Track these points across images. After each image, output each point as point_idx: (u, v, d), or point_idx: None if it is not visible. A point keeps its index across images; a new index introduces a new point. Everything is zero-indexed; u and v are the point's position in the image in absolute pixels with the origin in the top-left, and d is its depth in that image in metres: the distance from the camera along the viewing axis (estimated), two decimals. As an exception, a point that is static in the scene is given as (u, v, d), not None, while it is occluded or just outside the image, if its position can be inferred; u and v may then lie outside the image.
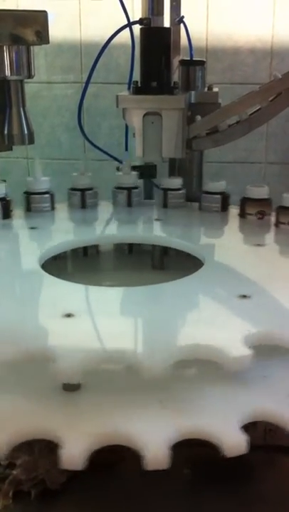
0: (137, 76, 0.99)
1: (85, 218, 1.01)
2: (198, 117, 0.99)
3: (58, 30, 1.44)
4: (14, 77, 0.93)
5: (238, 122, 0.98)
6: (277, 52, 1.42)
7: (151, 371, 0.53)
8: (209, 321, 0.64)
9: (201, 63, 1.05)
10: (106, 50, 1.19)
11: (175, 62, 1.05)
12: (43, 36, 0.90)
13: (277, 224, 0.94)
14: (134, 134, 0.98)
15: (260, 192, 0.98)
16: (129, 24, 0.99)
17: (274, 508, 0.57)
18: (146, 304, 0.69)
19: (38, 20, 0.90)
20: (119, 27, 1.06)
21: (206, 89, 1.06)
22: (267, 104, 0.95)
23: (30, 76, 0.94)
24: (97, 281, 0.88)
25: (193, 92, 1.03)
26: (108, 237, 0.95)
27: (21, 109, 0.96)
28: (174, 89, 0.95)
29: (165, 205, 1.04)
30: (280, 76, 0.94)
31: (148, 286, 0.72)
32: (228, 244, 0.89)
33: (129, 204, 1.04)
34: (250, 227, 0.97)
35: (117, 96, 0.94)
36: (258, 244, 0.88)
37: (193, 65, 1.04)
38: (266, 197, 0.99)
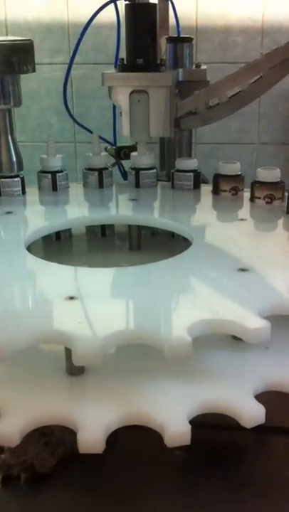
0: (123, 54, 0.98)
1: (57, 201, 0.99)
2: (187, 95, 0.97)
3: (45, 11, 1.42)
4: (2, 107, 0.94)
5: (227, 100, 0.96)
6: (268, 31, 1.41)
7: (175, 350, 0.53)
8: (218, 296, 0.63)
9: (189, 40, 1.03)
10: (95, 31, 1.17)
11: (163, 41, 1.03)
12: (29, 65, 0.91)
13: (253, 199, 0.94)
14: (120, 113, 0.96)
15: (232, 168, 0.97)
16: (114, 0, 0.97)
17: (265, 489, 0.57)
18: (150, 283, 0.68)
19: (24, 49, 0.91)
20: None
21: (194, 66, 1.04)
22: (256, 80, 0.94)
23: (18, 105, 0.95)
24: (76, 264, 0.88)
25: (180, 70, 1.01)
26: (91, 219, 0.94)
27: (9, 138, 0.97)
28: (160, 66, 0.93)
29: (137, 185, 1.01)
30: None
31: (145, 265, 0.71)
32: (210, 222, 0.88)
33: (101, 185, 1.01)
34: (226, 203, 0.96)
35: (103, 74, 0.92)
36: (241, 219, 0.89)
37: (180, 42, 1.02)
38: (238, 173, 0.97)
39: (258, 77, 0.93)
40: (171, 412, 0.53)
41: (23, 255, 0.75)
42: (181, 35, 1.09)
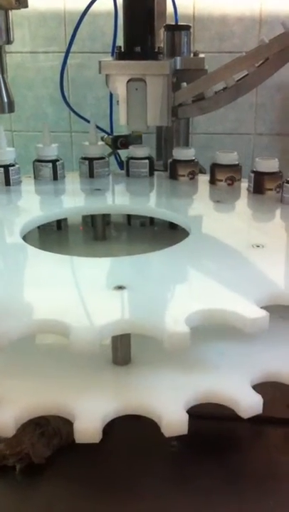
0: (121, 42, 0.97)
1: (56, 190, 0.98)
2: (184, 84, 0.96)
3: (40, -1, 1.41)
4: None
5: (224, 89, 0.95)
6: (266, 21, 1.39)
7: (173, 340, 0.52)
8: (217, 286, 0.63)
9: (187, 28, 1.02)
10: (91, 19, 1.16)
11: (160, 29, 1.02)
12: (21, 0, 0.87)
13: (214, 181, 0.96)
14: (117, 101, 0.95)
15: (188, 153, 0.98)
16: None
17: (262, 480, 0.57)
18: (147, 273, 0.68)
19: None
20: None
21: (191, 55, 1.03)
22: (254, 69, 0.93)
23: (8, 41, 0.91)
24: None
25: (178, 58, 1.00)
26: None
27: (0, 77, 0.93)
28: (158, 54, 0.92)
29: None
30: (267, 41, 0.91)
31: (142, 255, 0.71)
32: (208, 212, 0.88)
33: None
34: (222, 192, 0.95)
35: (100, 61, 0.91)
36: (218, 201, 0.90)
37: (178, 30, 1.01)
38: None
39: (256, 66, 0.93)
40: (168, 402, 0.53)
41: (16, 244, 0.74)
42: (179, 23, 1.07)
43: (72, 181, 1.00)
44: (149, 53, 0.91)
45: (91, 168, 1.00)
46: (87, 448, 0.52)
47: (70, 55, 1.20)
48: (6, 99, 0.93)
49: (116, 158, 1.14)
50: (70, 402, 0.53)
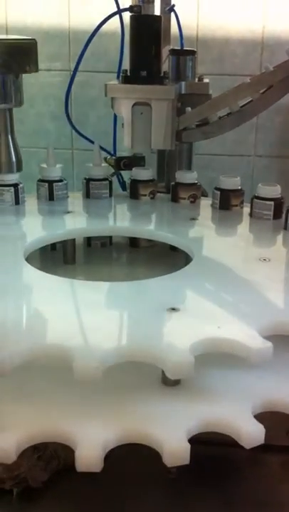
0: (126, 65, 0.97)
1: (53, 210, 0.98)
2: (189, 109, 0.97)
3: (45, 17, 1.41)
4: (2, 106, 0.93)
5: (228, 114, 0.96)
6: (268, 43, 1.41)
7: (177, 369, 0.53)
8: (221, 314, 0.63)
9: (192, 53, 1.03)
10: (95, 38, 1.17)
11: (165, 51, 1.03)
12: (31, 65, 0.91)
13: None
14: (122, 124, 0.96)
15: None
16: (119, 11, 0.97)
17: (260, 507, 0.57)
18: (150, 298, 0.68)
19: (27, 49, 0.91)
20: (108, 14, 1.03)
21: (196, 79, 1.04)
22: (258, 96, 0.94)
23: (19, 104, 0.95)
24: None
25: (183, 83, 1.01)
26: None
27: (9, 137, 0.96)
28: (164, 79, 0.93)
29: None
30: (271, 68, 0.92)
31: (145, 280, 0.71)
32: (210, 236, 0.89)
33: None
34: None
35: (106, 85, 0.92)
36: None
37: (183, 55, 1.02)
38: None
39: (260, 93, 0.94)
40: (170, 431, 0.53)
41: (20, 265, 0.74)
42: (185, 48, 1.08)
43: (74, 202, 1.00)
44: (155, 77, 0.92)
45: (92, 188, 1.00)
46: (84, 472, 0.52)
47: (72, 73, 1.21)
48: (14, 159, 0.97)
49: (118, 179, 1.15)
50: (72, 430, 0.53)
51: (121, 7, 1.00)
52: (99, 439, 0.51)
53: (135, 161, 1.07)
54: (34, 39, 0.92)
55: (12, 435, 0.52)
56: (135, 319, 0.62)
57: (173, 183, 1.00)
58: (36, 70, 0.93)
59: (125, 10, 0.94)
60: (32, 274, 0.73)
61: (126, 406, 0.56)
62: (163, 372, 0.57)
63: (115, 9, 1.00)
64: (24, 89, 1.41)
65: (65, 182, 0.99)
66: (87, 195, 1.00)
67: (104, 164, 1.02)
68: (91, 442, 0.51)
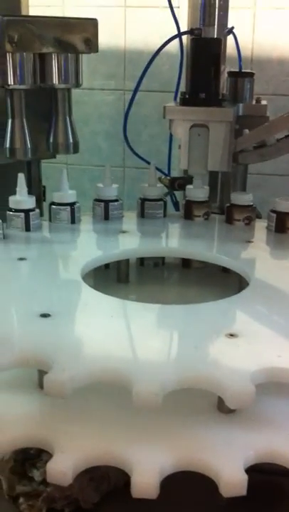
0: (182, 86, 0.98)
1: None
2: (246, 131, 0.97)
3: (101, 36, 1.44)
4: (62, 86, 0.92)
5: (287, 136, 0.95)
6: None
7: (237, 398, 0.52)
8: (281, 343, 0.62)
9: (250, 75, 1.03)
10: (148, 57, 1.18)
11: (222, 73, 1.03)
12: (92, 44, 0.90)
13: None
14: (179, 145, 0.96)
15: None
16: (180, 34, 0.98)
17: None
18: (208, 323, 0.66)
19: (87, 28, 0.90)
20: (162, 35, 1.04)
21: (254, 101, 1.04)
22: None
23: (78, 85, 0.93)
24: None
25: (241, 105, 1.01)
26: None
27: (67, 118, 0.95)
28: (222, 101, 0.93)
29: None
30: None
31: (201, 304, 0.70)
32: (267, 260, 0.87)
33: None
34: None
35: (165, 107, 0.92)
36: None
37: (242, 77, 1.02)
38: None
39: None
40: (228, 460, 0.51)
41: (78, 286, 0.75)
42: (243, 70, 1.08)
43: (128, 221, 1.00)
44: (213, 100, 0.92)
45: (147, 208, 1.00)
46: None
47: (127, 92, 1.22)
48: (71, 140, 0.96)
49: (172, 198, 1.15)
50: (128, 454, 0.52)
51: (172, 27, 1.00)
52: (155, 466, 0.51)
53: (189, 181, 1.06)
54: (95, 18, 0.91)
55: (69, 458, 0.52)
56: (193, 344, 0.61)
57: (228, 204, 0.99)
58: (96, 50, 0.91)
59: (186, 33, 0.94)
60: (90, 295, 0.73)
61: (182, 432, 0.55)
62: (219, 398, 0.56)
63: (170, 29, 1.01)
64: (79, 108, 1.45)
65: (121, 202, 1.00)
66: (142, 214, 1.00)
67: (159, 185, 1.02)
68: (148, 469, 0.50)
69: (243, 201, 0.98)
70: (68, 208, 0.95)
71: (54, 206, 0.95)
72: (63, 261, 0.86)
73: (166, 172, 1.17)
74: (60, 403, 0.57)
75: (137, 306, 0.72)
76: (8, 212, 0.91)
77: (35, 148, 0.94)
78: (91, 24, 0.90)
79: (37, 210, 0.92)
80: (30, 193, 0.95)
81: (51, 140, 0.96)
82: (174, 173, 1.16)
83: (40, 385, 0.58)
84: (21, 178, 0.91)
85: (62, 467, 0.51)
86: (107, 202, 0.98)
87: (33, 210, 0.92)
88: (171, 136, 1.12)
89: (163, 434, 0.55)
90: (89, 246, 0.92)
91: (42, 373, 0.56)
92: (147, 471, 0.50)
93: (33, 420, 0.56)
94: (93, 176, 1.41)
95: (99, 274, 0.91)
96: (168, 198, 1.11)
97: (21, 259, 0.81)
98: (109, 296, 0.72)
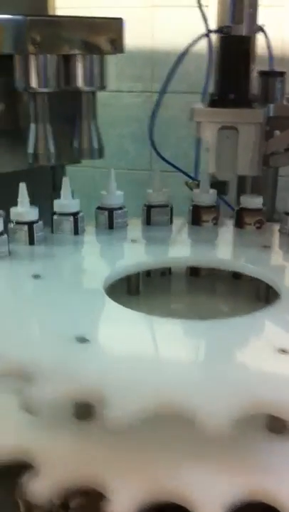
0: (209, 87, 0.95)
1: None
2: (277, 132, 0.93)
3: (128, 37, 1.41)
4: (87, 89, 0.89)
5: None
6: None
7: None
8: None
9: (281, 74, 0.99)
10: (174, 58, 1.16)
11: (251, 73, 0.99)
12: (117, 45, 0.87)
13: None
14: (206, 148, 0.93)
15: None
16: (209, 32, 0.94)
17: None
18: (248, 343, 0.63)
19: (113, 28, 0.87)
20: (189, 35, 1.01)
21: (285, 101, 1.00)
22: None
23: (103, 87, 0.90)
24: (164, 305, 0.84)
25: (271, 105, 0.97)
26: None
27: (92, 122, 0.93)
28: (252, 102, 0.89)
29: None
30: None
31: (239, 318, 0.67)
32: None
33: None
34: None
35: (192, 109, 0.89)
36: None
37: (272, 76, 0.98)
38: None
39: None
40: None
41: (102, 299, 0.71)
42: (274, 70, 1.04)
43: (135, 229, 0.95)
44: (243, 100, 0.89)
45: (153, 215, 0.94)
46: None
47: (153, 94, 1.19)
48: (96, 146, 0.93)
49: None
50: (190, 490, 0.49)
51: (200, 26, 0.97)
52: (220, 501, 0.47)
53: (217, 186, 1.03)
54: (121, 18, 0.88)
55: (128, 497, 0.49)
56: (248, 364, 0.57)
57: (237, 208, 0.95)
58: (122, 50, 0.88)
59: (215, 31, 0.91)
60: (122, 314, 0.67)
61: (242, 459, 0.52)
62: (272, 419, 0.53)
63: (198, 29, 0.97)
64: (106, 111, 1.43)
65: (125, 210, 0.93)
66: (148, 221, 0.94)
67: (165, 189, 0.96)
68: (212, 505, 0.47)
69: (254, 204, 0.94)
70: (71, 218, 0.89)
71: (56, 216, 0.89)
72: (81, 276, 0.80)
73: (193, 176, 1.13)
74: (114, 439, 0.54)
75: (175, 324, 0.67)
76: (9, 224, 0.84)
77: (59, 153, 0.92)
78: (116, 24, 0.87)
79: (40, 222, 0.86)
80: (54, 198, 0.92)
81: (76, 145, 0.93)
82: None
83: (78, 416, 0.56)
84: (22, 187, 0.84)
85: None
86: (111, 210, 0.92)
87: (36, 221, 0.85)
88: (199, 139, 1.08)
89: (224, 463, 0.52)
90: (104, 258, 0.87)
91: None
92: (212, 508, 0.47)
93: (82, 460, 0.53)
94: (119, 179, 1.39)
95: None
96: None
97: (36, 276, 0.75)
98: (141, 313, 0.68)
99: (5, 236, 0.80)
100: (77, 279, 0.79)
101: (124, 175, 1.45)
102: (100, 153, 0.94)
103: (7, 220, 0.84)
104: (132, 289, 0.84)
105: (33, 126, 0.89)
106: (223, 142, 0.89)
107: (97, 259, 0.86)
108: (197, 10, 1.03)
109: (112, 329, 0.65)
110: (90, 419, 0.56)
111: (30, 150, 0.89)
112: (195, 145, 1.14)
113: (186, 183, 1.04)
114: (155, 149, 1.12)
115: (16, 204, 0.84)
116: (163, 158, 1.14)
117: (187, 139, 1.27)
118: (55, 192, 1.01)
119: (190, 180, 1.07)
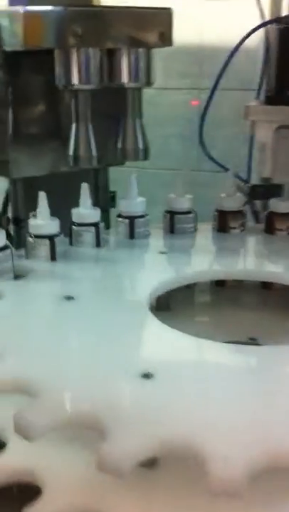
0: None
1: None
2: None
3: (176, 32, 1.35)
4: (132, 85, 0.84)
5: None
6: None
7: None
8: None
9: None
10: (225, 55, 1.09)
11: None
12: (165, 37, 0.80)
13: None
14: (259, 148, 0.86)
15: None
16: (265, 24, 0.88)
17: None
18: None
19: (161, 20, 0.81)
20: (241, 29, 0.94)
21: None
22: None
23: (149, 84, 0.85)
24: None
25: None
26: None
27: (137, 121, 0.87)
28: (313, 99, 0.82)
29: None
30: None
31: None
32: None
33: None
34: None
35: (247, 107, 0.83)
36: None
37: None
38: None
39: None
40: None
41: (145, 315, 0.65)
42: None
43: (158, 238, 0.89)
44: (303, 97, 0.82)
45: (177, 223, 0.89)
46: None
47: (202, 91, 1.13)
48: (141, 146, 0.87)
49: (252, 209, 1.05)
50: None
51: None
52: None
53: (270, 189, 0.96)
54: (170, 8, 0.82)
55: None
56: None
57: (266, 212, 0.88)
58: (170, 43, 0.83)
59: (272, 22, 0.84)
60: (181, 341, 0.61)
61: None
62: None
63: (250, 23, 0.90)
64: (152, 109, 1.37)
65: (148, 217, 0.88)
66: (171, 229, 0.88)
67: (188, 196, 0.90)
68: None
69: (285, 209, 0.87)
70: (92, 229, 0.82)
71: (75, 227, 0.82)
72: (120, 296, 0.73)
73: (246, 178, 1.06)
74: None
75: (241, 352, 0.61)
76: (28, 238, 0.78)
77: (102, 154, 0.86)
78: (165, 14, 0.81)
79: (62, 235, 0.79)
80: (97, 202, 0.86)
81: (119, 146, 0.87)
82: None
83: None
84: (42, 196, 0.77)
85: None
86: (132, 218, 0.86)
87: (57, 235, 0.78)
88: (251, 138, 1.02)
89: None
90: (138, 273, 0.81)
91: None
92: None
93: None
94: (163, 180, 1.33)
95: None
96: (247, 208, 1.00)
97: (69, 298, 0.67)
98: (197, 338, 0.61)
99: (8, 251, 0.72)
100: (117, 300, 0.71)
101: (170, 175, 1.39)
102: (145, 154, 0.88)
103: (21, 232, 0.77)
104: (161, 304, 0.76)
105: (74, 126, 0.83)
106: (281, 143, 0.83)
107: (132, 275, 0.79)
108: (246, 3, 0.96)
109: (178, 361, 0.58)
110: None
111: (71, 152, 0.83)
112: (247, 145, 1.07)
113: (238, 186, 0.97)
114: (204, 151, 1.06)
115: (50, 206, 0.78)
116: (212, 160, 1.08)
117: (238, 138, 1.20)
118: (97, 195, 0.96)
119: (242, 183, 1.00)
